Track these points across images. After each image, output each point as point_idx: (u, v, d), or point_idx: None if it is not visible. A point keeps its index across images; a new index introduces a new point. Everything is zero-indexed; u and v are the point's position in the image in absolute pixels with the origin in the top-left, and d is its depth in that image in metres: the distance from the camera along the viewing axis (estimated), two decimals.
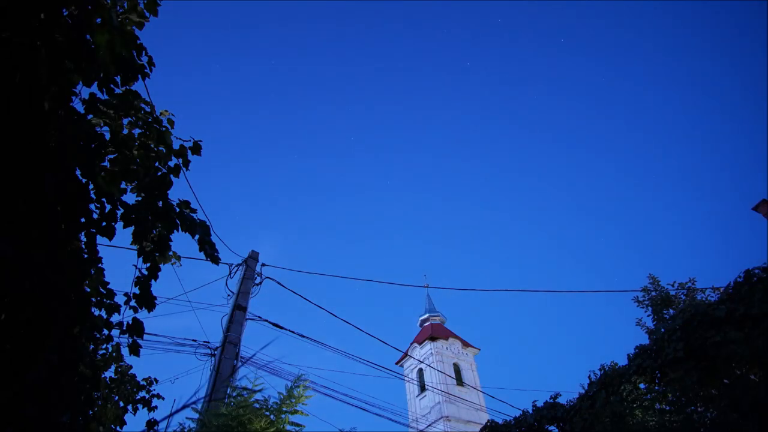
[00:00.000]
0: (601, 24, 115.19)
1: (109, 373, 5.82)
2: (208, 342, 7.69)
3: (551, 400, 9.36)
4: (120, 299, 3.06)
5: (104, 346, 5.38)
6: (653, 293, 12.04)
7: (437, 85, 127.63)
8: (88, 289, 3.03)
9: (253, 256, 8.82)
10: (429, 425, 27.93)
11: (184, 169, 3.25)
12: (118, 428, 5.29)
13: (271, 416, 5.16)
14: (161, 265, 3.03)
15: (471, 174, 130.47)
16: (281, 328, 8.49)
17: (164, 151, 3.09)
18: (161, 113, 3.06)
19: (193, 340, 7.65)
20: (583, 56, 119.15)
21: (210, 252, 3.08)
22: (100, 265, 3.02)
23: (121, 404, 5.82)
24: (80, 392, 2.19)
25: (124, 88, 2.80)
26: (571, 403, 8.88)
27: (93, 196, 2.62)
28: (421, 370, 32.52)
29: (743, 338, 6.24)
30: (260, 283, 8.68)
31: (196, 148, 3.25)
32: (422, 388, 31.39)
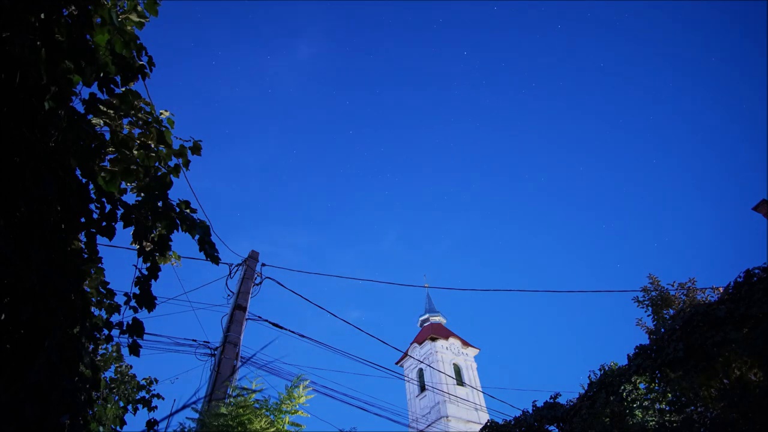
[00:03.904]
0: (600, 19, 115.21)
1: (109, 373, 5.83)
2: (208, 342, 7.69)
3: (551, 400, 9.37)
4: (120, 299, 3.06)
5: (104, 346, 5.39)
6: (653, 293, 12.04)
7: (436, 82, 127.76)
8: (88, 289, 3.03)
9: (253, 256, 8.82)
10: (429, 425, 27.92)
11: (184, 169, 3.25)
12: (118, 428, 5.29)
13: (271, 416, 5.16)
14: (161, 265, 3.02)
15: (470, 173, 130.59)
16: (281, 328, 8.49)
17: (164, 151, 3.09)
18: (161, 113, 3.06)
19: (193, 340, 7.65)
20: (581, 52, 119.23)
21: (210, 252, 3.08)
22: (100, 265, 3.02)
23: (121, 404, 5.83)
24: (80, 392, 2.18)
25: (124, 88, 2.80)
26: (571, 403, 8.88)
27: (93, 196, 2.62)
28: (421, 370, 32.51)
29: (743, 338, 6.24)
30: (260, 283, 8.68)
31: (196, 148, 3.25)
32: (422, 388, 31.38)
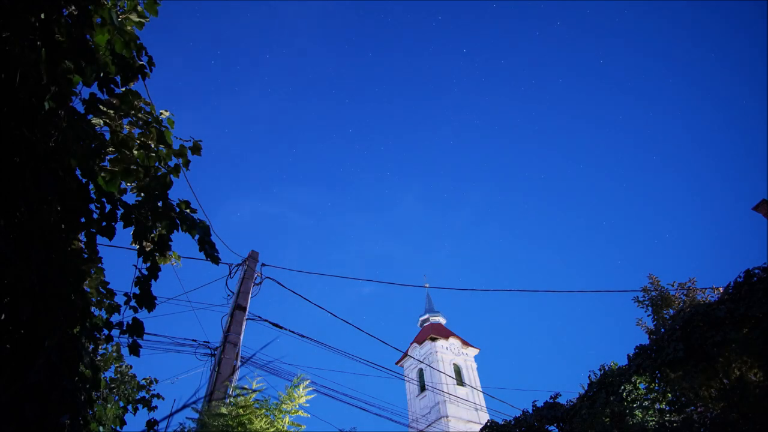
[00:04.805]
0: (599, 18, 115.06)
1: (109, 373, 5.83)
2: (208, 342, 7.69)
3: (551, 400, 9.37)
4: (120, 299, 3.06)
5: (104, 346, 5.39)
6: (653, 293, 12.04)
7: (434, 80, 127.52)
8: (88, 289, 3.03)
9: (253, 256, 8.82)
10: (429, 425, 27.91)
11: (184, 169, 3.24)
12: (118, 428, 5.29)
13: (271, 416, 5.16)
14: (161, 265, 3.02)
15: (470, 174, 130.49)
16: (281, 328, 8.49)
17: (164, 151, 3.09)
18: (161, 113, 3.06)
19: (193, 340, 7.65)
20: (580, 49, 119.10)
21: (210, 252, 3.08)
22: (100, 265, 3.02)
23: (121, 404, 5.83)
24: (80, 392, 2.19)
25: (124, 88, 2.80)
26: (571, 403, 8.88)
27: (93, 196, 2.61)
28: (421, 370, 32.50)
29: (743, 338, 6.24)
30: (260, 283, 8.68)
31: (196, 148, 3.25)
32: (422, 388, 31.38)
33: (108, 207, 2.72)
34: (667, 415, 7.52)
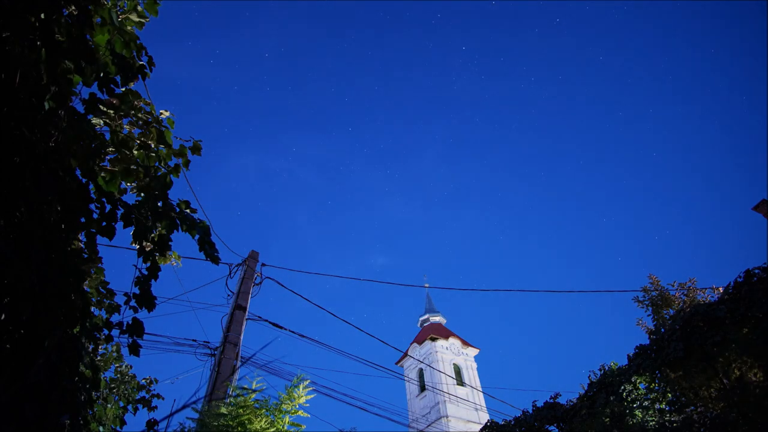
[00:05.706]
0: (599, 13, 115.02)
1: (109, 373, 5.83)
2: (208, 342, 7.69)
3: (551, 400, 9.37)
4: (120, 299, 3.06)
5: (104, 346, 5.39)
6: (653, 293, 12.05)
7: (433, 77, 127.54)
8: (88, 289, 3.03)
9: (253, 256, 8.82)
10: (429, 425, 27.91)
11: (184, 169, 3.25)
12: (118, 428, 5.29)
13: (271, 416, 5.16)
14: (161, 265, 3.02)
15: (470, 173, 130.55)
16: (281, 328, 8.50)
17: (164, 151, 3.09)
18: (161, 113, 3.06)
19: (193, 340, 7.65)
20: (580, 46, 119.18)
21: (210, 252, 3.08)
22: (100, 265, 3.02)
23: (121, 404, 5.83)
24: (80, 392, 2.19)
25: (124, 88, 2.80)
26: (571, 403, 8.88)
27: (93, 196, 2.62)
28: (421, 370, 32.50)
29: (743, 338, 6.24)
30: (260, 283, 8.68)
31: (196, 148, 3.25)
32: (422, 388, 31.37)
33: (108, 207, 2.72)
34: (667, 415, 7.52)
